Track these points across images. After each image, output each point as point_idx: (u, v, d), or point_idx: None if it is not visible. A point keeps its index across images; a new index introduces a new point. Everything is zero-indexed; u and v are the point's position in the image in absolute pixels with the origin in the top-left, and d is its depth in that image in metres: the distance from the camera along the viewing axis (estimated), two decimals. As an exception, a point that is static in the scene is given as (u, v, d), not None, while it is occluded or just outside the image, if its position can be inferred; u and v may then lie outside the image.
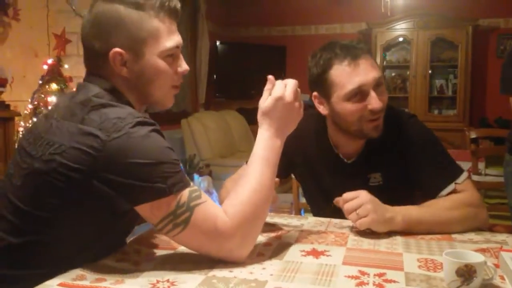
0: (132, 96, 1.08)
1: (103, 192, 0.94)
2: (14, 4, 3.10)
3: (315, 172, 1.53)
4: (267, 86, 1.11)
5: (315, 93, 1.41)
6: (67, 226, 0.99)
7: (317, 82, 1.38)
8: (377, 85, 1.32)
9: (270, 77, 1.12)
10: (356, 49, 1.33)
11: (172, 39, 1.07)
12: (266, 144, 1.08)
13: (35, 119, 2.67)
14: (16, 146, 1.08)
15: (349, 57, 1.31)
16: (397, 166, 1.41)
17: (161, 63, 1.06)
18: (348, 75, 1.31)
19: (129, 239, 1.21)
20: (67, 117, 0.99)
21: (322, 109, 1.42)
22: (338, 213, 1.27)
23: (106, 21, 1.03)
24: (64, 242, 1.00)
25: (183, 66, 1.11)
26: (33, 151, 0.99)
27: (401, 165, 1.41)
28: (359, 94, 1.31)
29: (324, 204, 1.48)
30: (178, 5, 1.09)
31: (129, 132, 0.94)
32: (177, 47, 1.08)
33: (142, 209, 0.97)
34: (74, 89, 1.10)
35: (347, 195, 1.23)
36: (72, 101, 1.03)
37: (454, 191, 1.32)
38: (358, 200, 1.20)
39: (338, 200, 1.24)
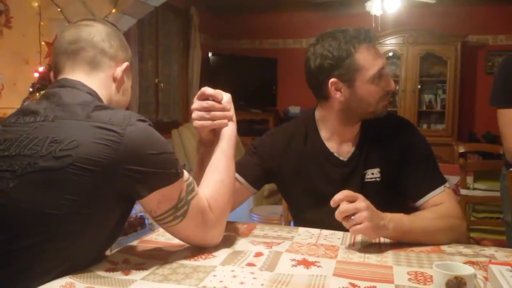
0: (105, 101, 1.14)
1: (122, 181, 0.97)
2: (6, 11, 3.08)
3: (306, 175, 1.50)
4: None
5: (333, 80, 1.38)
6: (75, 226, 0.96)
7: (337, 67, 1.37)
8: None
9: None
10: (367, 33, 1.39)
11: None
12: (231, 140, 1.25)
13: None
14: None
15: (367, 40, 1.38)
16: (394, 163, 1.44)
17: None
18: (372, 58, 1.37)
19: (113, 249, 1.19)
20: (67, 117, 1.00)
21: (339, 96, 1.40)
22: (330, 216, 1.21)
23: (122, 37, 1.20)
24: (65, 243, 0.96)
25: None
26: (28, 152, 0.96)
27: (398, 162, 1.44)
28: (378, 76, 1.37)
29: (315, 208, 1.47)
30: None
31: (139, 126, 1.01)
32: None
33: (151, 200, 1.03)
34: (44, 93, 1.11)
35: (346, 192, 1.19)
36: (61, 102, 1.03)
37: (436, 200, 1.37)
38: (355, 205, 1.17)
39: (335, 199, 1.19)
